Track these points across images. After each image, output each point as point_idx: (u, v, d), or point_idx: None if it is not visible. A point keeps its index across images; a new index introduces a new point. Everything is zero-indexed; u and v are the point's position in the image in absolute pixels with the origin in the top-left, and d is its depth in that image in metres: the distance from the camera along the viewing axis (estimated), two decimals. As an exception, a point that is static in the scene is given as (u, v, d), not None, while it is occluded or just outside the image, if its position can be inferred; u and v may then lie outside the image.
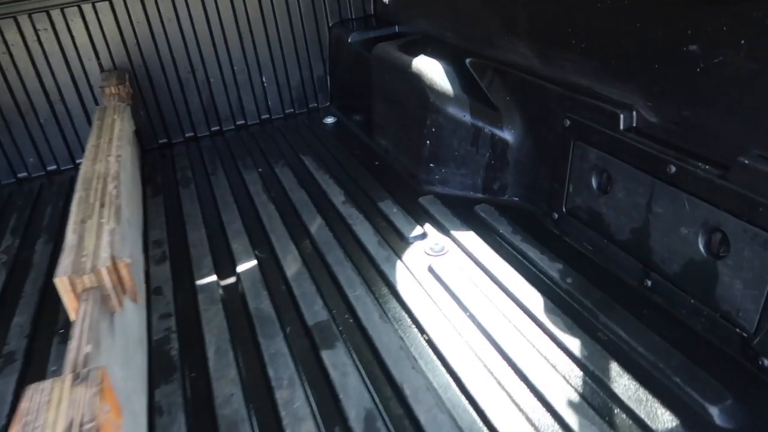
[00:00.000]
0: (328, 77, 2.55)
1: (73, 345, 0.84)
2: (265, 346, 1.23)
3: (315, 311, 1.31)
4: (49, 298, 1.50)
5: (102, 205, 1.16)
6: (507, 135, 1.59)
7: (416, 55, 1.79)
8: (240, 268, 1.51)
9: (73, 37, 2.16)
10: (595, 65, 1.31)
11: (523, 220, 1.54)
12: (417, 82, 1.73)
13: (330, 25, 2.48)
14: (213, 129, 2.46)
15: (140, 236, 1.66)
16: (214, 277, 1.49)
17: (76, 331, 0.87)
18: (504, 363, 1.11)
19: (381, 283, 1.39)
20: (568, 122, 1.38)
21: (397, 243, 1.53)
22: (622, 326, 1.14)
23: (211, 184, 2.00)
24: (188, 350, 1.26)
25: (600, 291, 1.25)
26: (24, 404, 0.71)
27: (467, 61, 1.72)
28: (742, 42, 0.98)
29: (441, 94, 1.67)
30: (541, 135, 1.51)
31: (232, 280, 1.48)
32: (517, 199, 1.62)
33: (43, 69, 2.16)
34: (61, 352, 1.30)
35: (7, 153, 2.22)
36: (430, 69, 1.71)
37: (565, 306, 1.23)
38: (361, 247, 1.53)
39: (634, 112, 1.23)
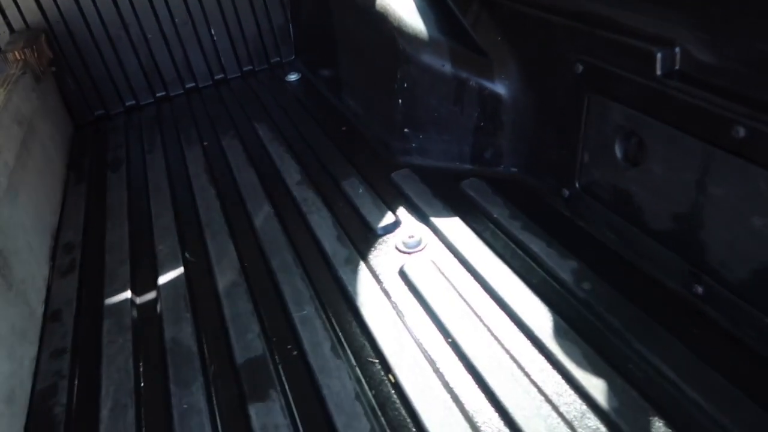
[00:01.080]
0: (290, 26, 2.15)
1: None
2: (177, 398, 0.90)
3: (248, 341, 0.98)
4: None
5: None
6: (499, 88, 1.22)
7: (383, -10, 1.40)
8: (162, 279, 1.18)
9: (-29, -8, 1.78)
10: (618, -15, 0.93)
11: (524, 199, 1.19)
12: (382, 23, 1.35)
13: (288, -39, 2.07)
14: (158, 95, 2.09)
15: (48, 241, 1.33)
16: (128, 294, 1.16)
17: None
18: (498, 417, 0.79)
19: (337, 295, 1.05)
20: (581, 67, 1.00)
21: (362, 237, 1.18)
22: (666, 356, 0.81)
23: (145, 166, 1.65)
24: (78, 405, 0.94)
25: (630, 302, 0.91)
26: None
27: (446, -8, 1.33)
28: None
29: (413, 38, 1.29)
30: (544, 87, 1.13)
31: (150, 296, 1.15)
32: (515, 170, 1.27)
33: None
34: None
35: None
36: (398, 5, 1.32)
37: (583, 325, 0.89)
38: (316, 244, 1.19)
39: (678, 49, 0.86)
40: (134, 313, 1.12)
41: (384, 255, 1.12)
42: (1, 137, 1.18)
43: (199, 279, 1.16)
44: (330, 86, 1.85)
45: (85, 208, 1.49)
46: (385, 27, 1.34)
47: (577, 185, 1.08)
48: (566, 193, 1.11)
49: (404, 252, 1.12)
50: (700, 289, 0.86)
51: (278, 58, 2.19)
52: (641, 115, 0.90)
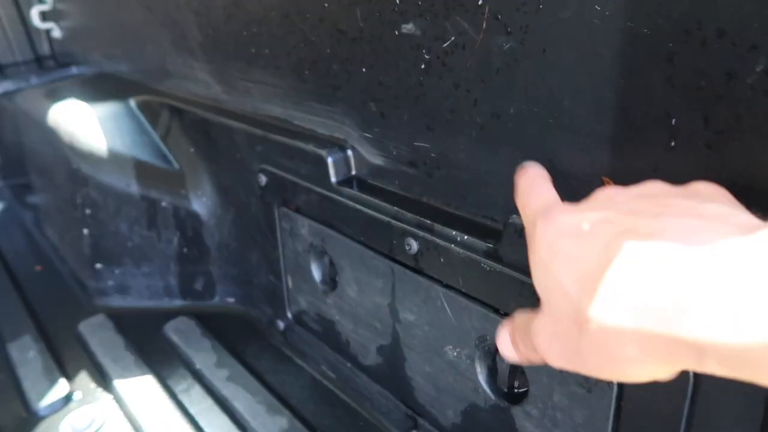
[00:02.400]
0: (-7, 147, 1.79)
1: None
2: None
3: None
4: None
5: None
6: (197, 206, 1.02)
7: (62, 101, 1.16)
8: None
9: None
10: (290, 81, 0.81)
11: (239, 337, 0.97)
12: (55, 139, 1.10)
13: (-20, 74, 1.74)
14: None
15: None
16: None
17: None
18: None
19: None
20: (264, 179, 0.84)
21: (15, 424, 0.86)
22: None
23: None
24: None
25: (346, 466, 0.71)
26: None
27: (132, 101, 1.13)
28: (480, 2, 0.52)
29: (88, 156, 1.05)
30: (240, 202, 0.96)
31: None
32: (232, 300, 1.05)
33: None
34: None
35: None
36: (73, 119, 1.09)
37: None
38: (-60, 450, 0.83)
39: (350, 152, 0.73)
40: None
41: (37, 451, 0.81)
42: None
43: None
44: (34, 216, 1.51)
45: None
46: (58, 143, 1.09)
47: (289, 315, 0.89)
48: (281, 325, 0.91)
49: (69, 441, 0.81)
50: (419, 437, 0.69)
51: (-20, 187, 1.80)
52: (327, 230, 0.75)
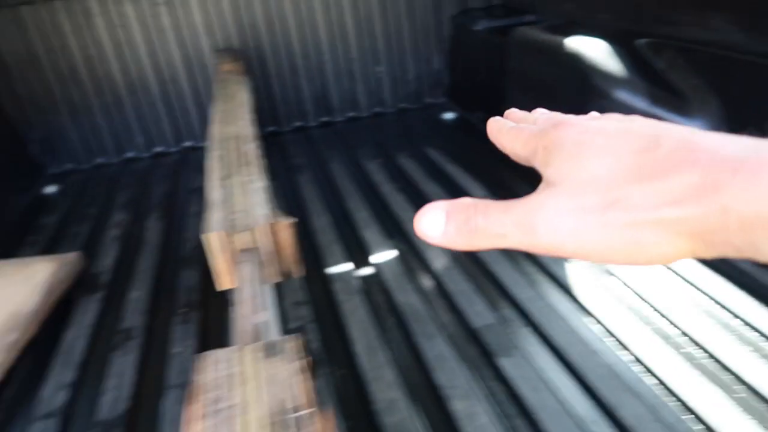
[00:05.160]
0: (446, 71, 2.37)
1: (241, 312, 0.66)
2: (426, 347, 1.02)
3: (477, 312, 1.10)
4: (165, 277, 1.35)
5: (245, 164, 1.00)
6: (699, 126, 1.35)
7: (568, 36, 1.58)
8: (375, 259, 1.32)
9: (189, 14, 2.07)
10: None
11: None
12: (574, 63, 1.51)
13: (452, 15, 2.31)
14: (323, 120, 2.32)
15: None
16: (348, 266, 1.30)
17: (243, 296, 0.69)
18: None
19: (553, 286, 1.16)
20: (797, 104, 1.12)
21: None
22: None
23: (327, 172, 1.83)
24: (331, 344, 1.07)
25: None
26: (201, 377, 0.53)
27: (638, 42, 1.49)
28: None
29: (607, 76, 1.44)
30: (747, 123, 1.25)
31: (369, 270, 1.29)
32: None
33: (157, 46, 2.08)
34: (183, 333, 1.13)
35: (116, 131, 2.15)
36: (591, 48, 1.49)
37: None
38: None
39: None
40: (359, 281, 1.25)
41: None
42: (253, 120, 1.38)
43: (411, 261, 1.29)
44: (490, 124, 2.02)
45: (282, 198, 1.67)
46: (577, 65, 1.51)
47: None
48: None
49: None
50: None
51: (432, 100, 2.40)
52: None
